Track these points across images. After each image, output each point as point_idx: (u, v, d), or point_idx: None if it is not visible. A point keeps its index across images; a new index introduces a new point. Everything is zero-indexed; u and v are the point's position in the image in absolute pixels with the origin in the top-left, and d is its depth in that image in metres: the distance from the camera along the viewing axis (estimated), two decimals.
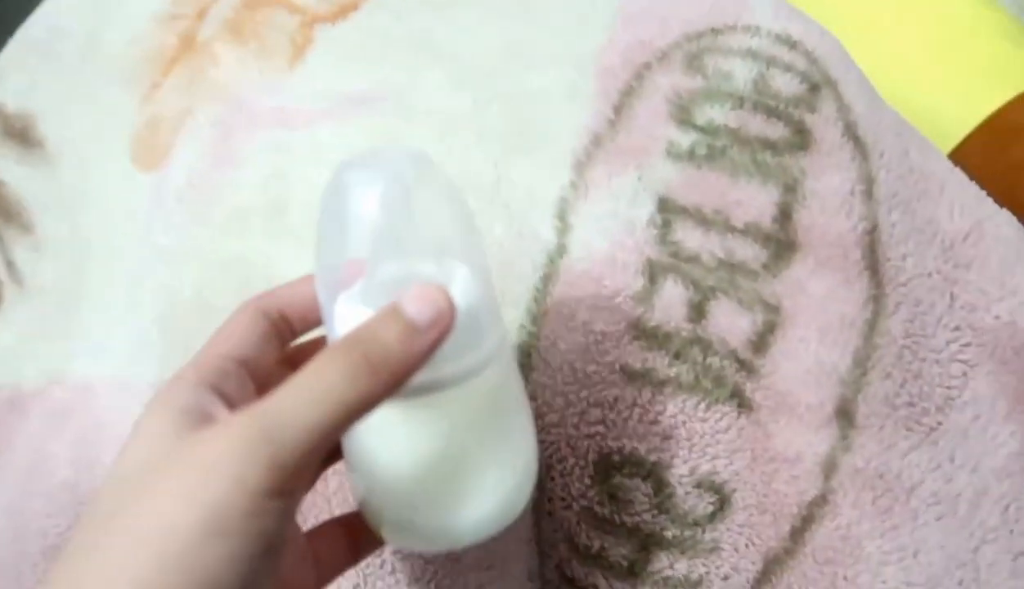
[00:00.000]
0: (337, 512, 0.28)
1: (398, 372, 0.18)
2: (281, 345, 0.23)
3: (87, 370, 0.36)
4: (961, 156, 0.50)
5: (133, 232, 0.38)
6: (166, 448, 0.18)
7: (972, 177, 0.34)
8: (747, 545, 0.28)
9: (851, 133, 0.30)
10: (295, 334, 0.23)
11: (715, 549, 0.29)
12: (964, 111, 0.51)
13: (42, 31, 0.46)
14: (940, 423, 0.27)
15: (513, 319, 0.24)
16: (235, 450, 0.17)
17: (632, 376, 0.28)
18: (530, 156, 0.31)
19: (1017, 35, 0.54)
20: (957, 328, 0.28)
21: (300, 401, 0.18)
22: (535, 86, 0.32)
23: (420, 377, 0.19)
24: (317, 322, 0.23)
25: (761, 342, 0.28)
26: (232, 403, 0.20)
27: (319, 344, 0.24)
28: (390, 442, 0.21)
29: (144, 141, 0.40)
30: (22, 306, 0.40)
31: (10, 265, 0.42)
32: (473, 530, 0.21)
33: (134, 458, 0.18)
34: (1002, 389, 0.28)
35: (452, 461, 0.21)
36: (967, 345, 0.28)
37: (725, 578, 0.29)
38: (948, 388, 0.28)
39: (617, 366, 0.28)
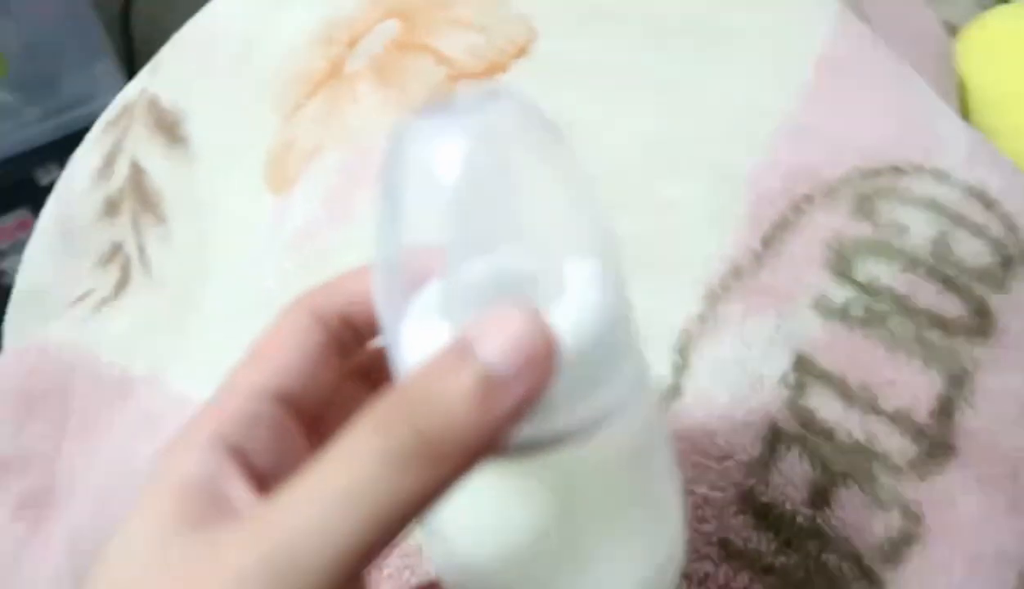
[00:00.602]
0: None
1: (469, 450, 0.13)
2: (344, 360, 0.17)
3: (185, 382, 0.37)
4: None
5: (250, 256, 0.38)
6: (158, 559, 0.13)
7: None
8: None
9: None
10: (363, 342, 0.17)
11: None
12: None
13: (202, 32, 0.48)
14: None
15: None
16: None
17: (731, 554, 0.25)
18: (657, 275, 0.28)
19: None
20: None
21: (318, 513, 0.12)
22: (674, 195, 0.29)
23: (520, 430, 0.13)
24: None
25: (894, 553, 0.24)
26: (260, 471, 0.15)
27: None
28: (476, 510, 0.15)
29: (278, 162, 0.40)
30: (145, 293, 0.41)
31: (141, 251, 0.43)
32: None
33: (122, 566, 0.14)
34: None
35: (561, 546, 0.16)
36: None
37: None
38: None
39: (715, 539, 0.25)
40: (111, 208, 0.46)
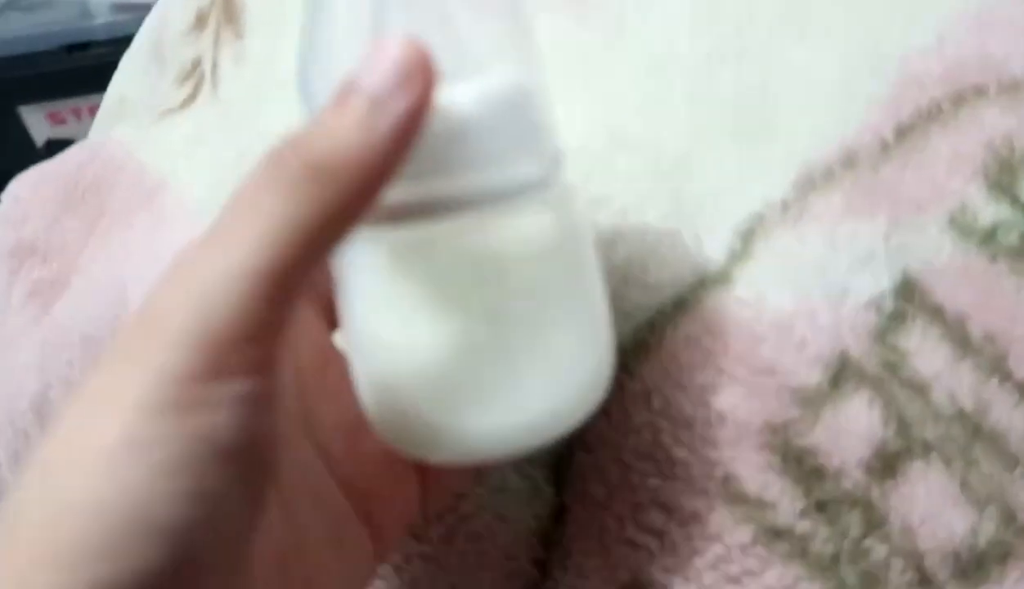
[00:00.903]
0: None
1: (362, 171, 0.13)
2: None
3: (207, 202, 0.34)
4: None
5: None
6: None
7: None
8: None
9: None
10: None
11: None
12: None
13: None
14: None
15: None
16: (158, 329, 0.13)
17: (735, 497, 0.18)
18: (744, 145, 0.22)
19: None
20: None
21: (226, 244, 0.13)
22: (798, 58, 0.23)
23: (416, 189, 0.14)
24: None
25: (978, 567, 0.16)
26: None
27: None
28: (380, 292, 0.15)
29: None
30: (207, 109, 0.39)
31: (215, 67, 0.41)
32: (492, 435, 0.15)
33: (84, 391, 0.14)
34: None
35: (478, 336, 0.15)
36: None
37: None
38: None
39: (721, 472, 0.18)
40: (200, 21, 0.44)
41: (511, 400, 0.15)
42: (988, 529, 0.16)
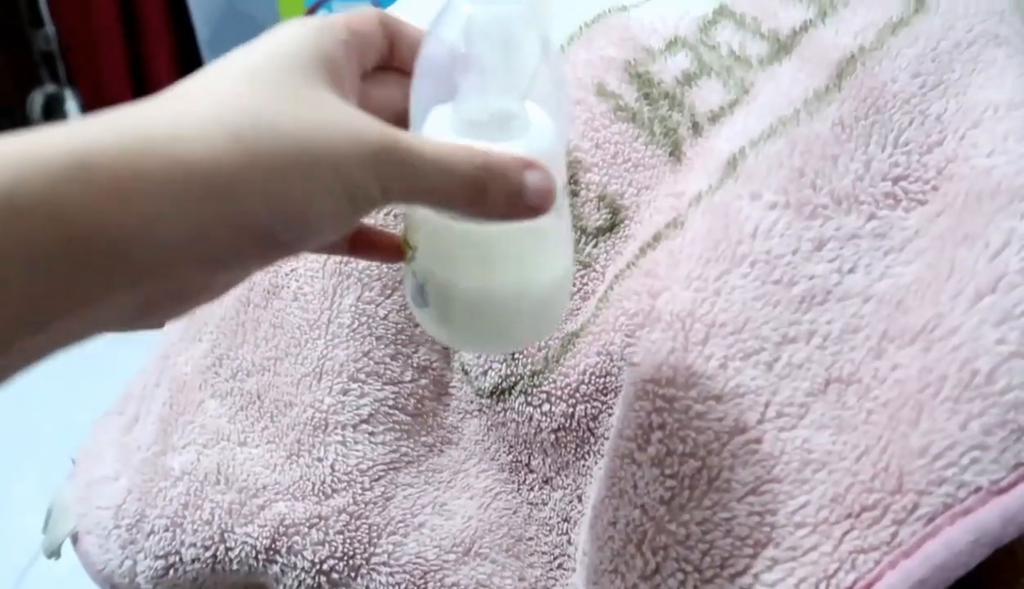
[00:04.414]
0: None
1: (507, 207, 0.20)
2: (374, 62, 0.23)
3: None
4: None
5: None
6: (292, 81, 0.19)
7: None
8: (607, 266, 0.31)
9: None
10: (388, 59, 0.23)
11: (588, 266, 0.31)
12: None
13: None
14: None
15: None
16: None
17: (603, 94, 0.33)
18: None
19: None
20: (895, 163, 0.26)
21: (432, 150, 0.19)
22: None
23: None
24: (407, 65, 0.23)
25: (720, 114, 0.30)
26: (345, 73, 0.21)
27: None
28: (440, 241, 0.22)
29: None
30: None
31: None
32: (488, 347, 0.29)
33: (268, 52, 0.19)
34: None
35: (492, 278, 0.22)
36: (901, 179, 0.26)
37: (584, 296, 0.31)
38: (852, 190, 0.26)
39: (595, 82, 0.33)
40: None
41: (515, 335, 0.24)
42: (731, 98, 0.30)
